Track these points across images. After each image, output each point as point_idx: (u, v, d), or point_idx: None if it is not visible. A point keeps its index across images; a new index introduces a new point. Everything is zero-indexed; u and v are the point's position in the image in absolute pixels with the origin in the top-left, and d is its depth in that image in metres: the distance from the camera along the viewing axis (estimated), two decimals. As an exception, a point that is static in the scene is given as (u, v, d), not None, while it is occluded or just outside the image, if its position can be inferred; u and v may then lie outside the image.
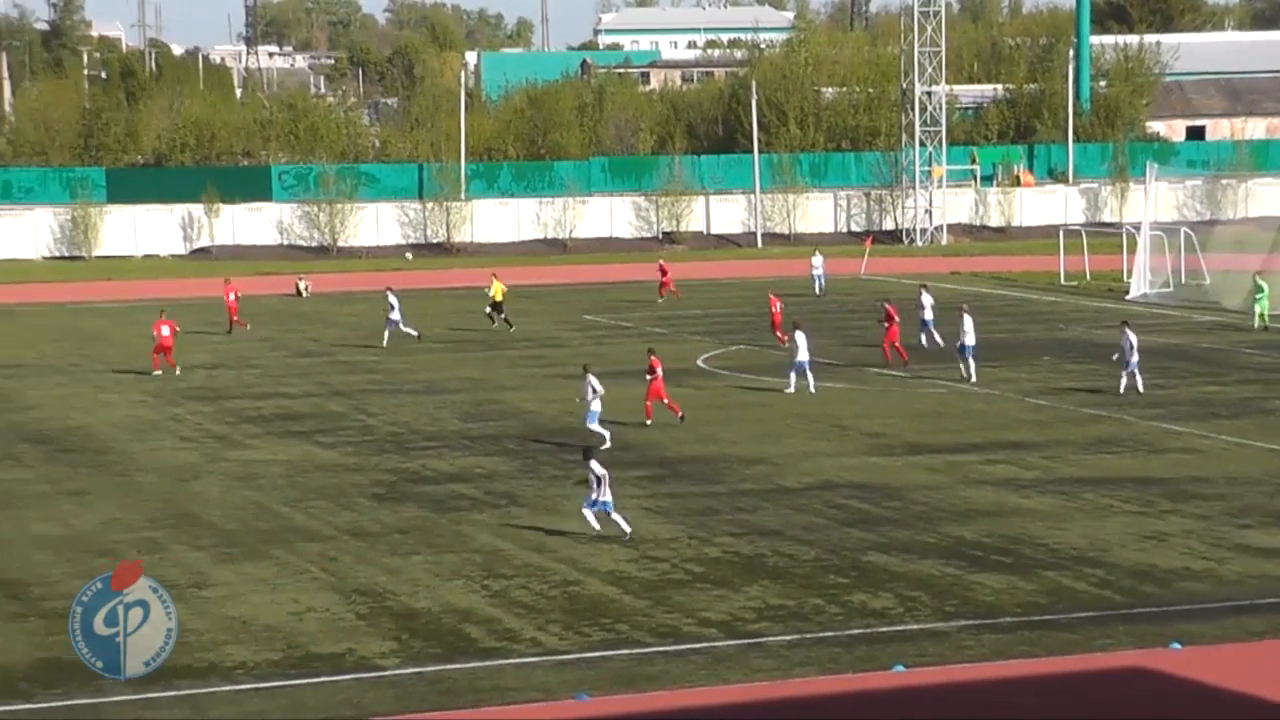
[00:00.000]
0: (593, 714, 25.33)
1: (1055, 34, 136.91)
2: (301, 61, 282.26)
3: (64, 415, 51.84)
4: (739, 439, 46.17)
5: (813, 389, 52.58)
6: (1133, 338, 51.65)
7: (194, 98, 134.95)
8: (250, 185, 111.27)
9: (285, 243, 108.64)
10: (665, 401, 48.08)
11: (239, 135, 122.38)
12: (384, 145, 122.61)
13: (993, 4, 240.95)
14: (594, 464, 34.79)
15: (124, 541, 35.68)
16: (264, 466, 43.50)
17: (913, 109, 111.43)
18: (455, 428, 48.74)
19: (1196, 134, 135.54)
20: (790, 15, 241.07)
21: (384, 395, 54.89)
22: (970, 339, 54.73)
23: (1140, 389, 51.41)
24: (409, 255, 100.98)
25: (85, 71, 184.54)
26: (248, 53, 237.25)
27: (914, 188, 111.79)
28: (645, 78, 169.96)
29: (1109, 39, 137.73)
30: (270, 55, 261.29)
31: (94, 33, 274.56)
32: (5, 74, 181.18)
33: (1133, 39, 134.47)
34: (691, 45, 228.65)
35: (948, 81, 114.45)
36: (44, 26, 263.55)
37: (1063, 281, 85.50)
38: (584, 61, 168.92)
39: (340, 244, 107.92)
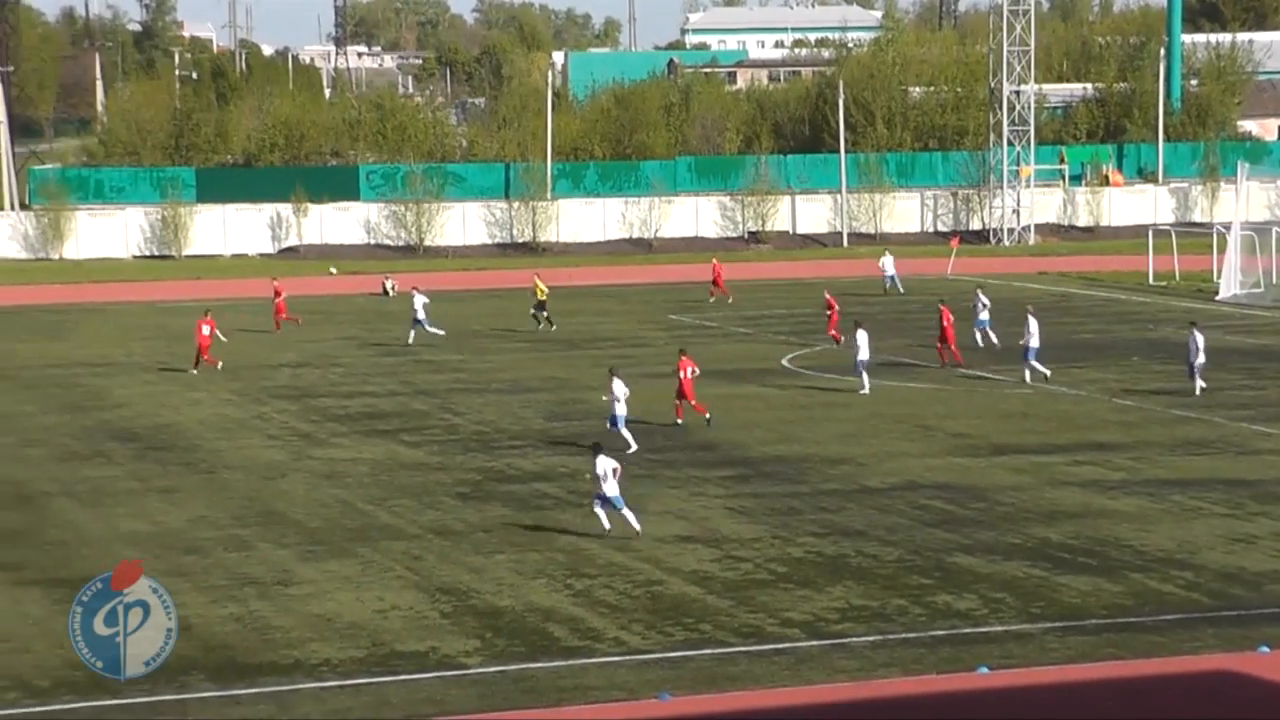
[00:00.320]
0: (675, 714, 25.34)
1: (1146, 32, 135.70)
2: (390, 61, 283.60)
3: (153, 413, 52.31)
4: (823, 439, 46.08)
5: (865, 388, 52.37)
6: (1200, 339, 51.18)
7: (283, 98, 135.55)
8: (338, 185, 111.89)
9: (372, 242, 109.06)
10: (692, 403, 47.78)
11: (327, 135, 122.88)
12: (471, 145, 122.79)
13: (1083, 2, 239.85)
14: (600, 459, 34.85)
15: (211, 539, 36.00)
16: (349, 465, 43.75)
17: (1001, 108, 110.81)
18: (540, 427, 48.86)
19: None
20: (878, 14, 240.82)
21: (469, 394, 55.08)
22: (1035, 341, 54.00)
23: (1197, 391, 50.91)
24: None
25: (176, 72, 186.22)
26: (337, 53, 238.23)
27: (1001, 187, 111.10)
28: (732, 77, 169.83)
29: (1200, 37, 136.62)
30: (359, 55, 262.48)
31: (185, 33, 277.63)
32: (98, 75, 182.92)
33: (1225, 37, 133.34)
34: (779, 45, 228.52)
35: (1037, 80, 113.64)
36: (136, 28, 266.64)
37: (1151, 282, 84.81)
38: (671, 61, 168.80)
39: (427, 243, 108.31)
